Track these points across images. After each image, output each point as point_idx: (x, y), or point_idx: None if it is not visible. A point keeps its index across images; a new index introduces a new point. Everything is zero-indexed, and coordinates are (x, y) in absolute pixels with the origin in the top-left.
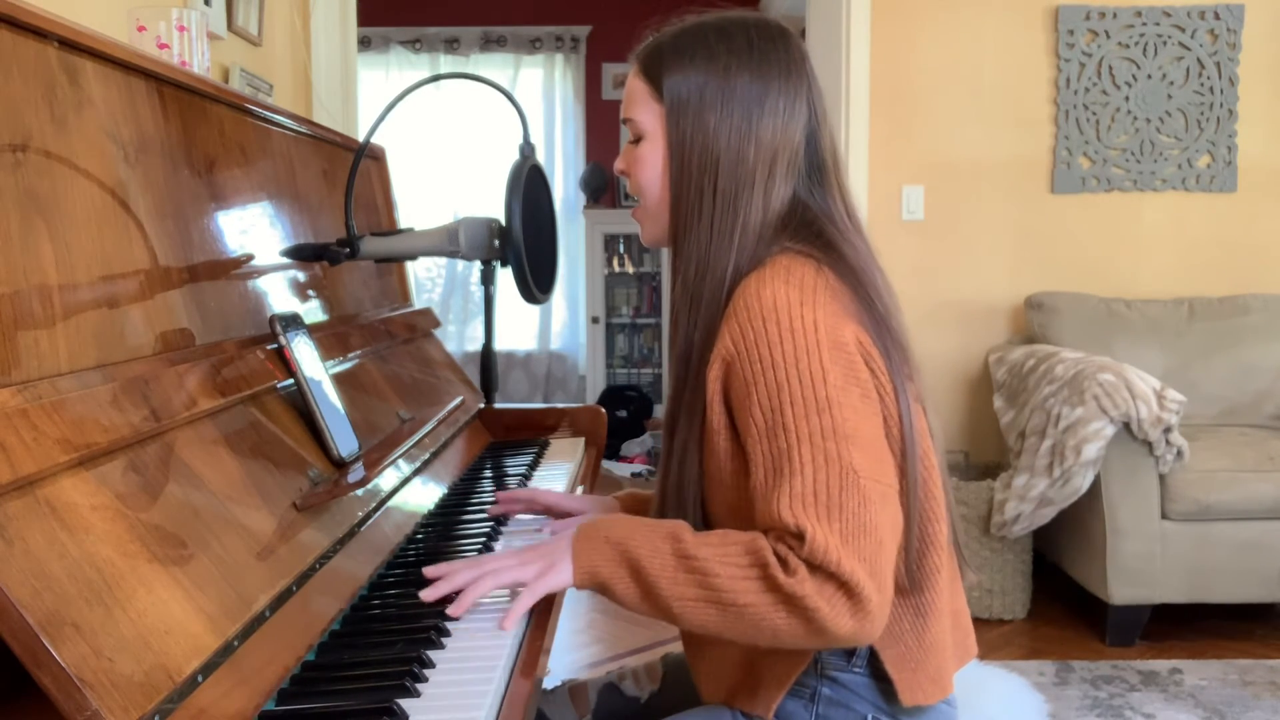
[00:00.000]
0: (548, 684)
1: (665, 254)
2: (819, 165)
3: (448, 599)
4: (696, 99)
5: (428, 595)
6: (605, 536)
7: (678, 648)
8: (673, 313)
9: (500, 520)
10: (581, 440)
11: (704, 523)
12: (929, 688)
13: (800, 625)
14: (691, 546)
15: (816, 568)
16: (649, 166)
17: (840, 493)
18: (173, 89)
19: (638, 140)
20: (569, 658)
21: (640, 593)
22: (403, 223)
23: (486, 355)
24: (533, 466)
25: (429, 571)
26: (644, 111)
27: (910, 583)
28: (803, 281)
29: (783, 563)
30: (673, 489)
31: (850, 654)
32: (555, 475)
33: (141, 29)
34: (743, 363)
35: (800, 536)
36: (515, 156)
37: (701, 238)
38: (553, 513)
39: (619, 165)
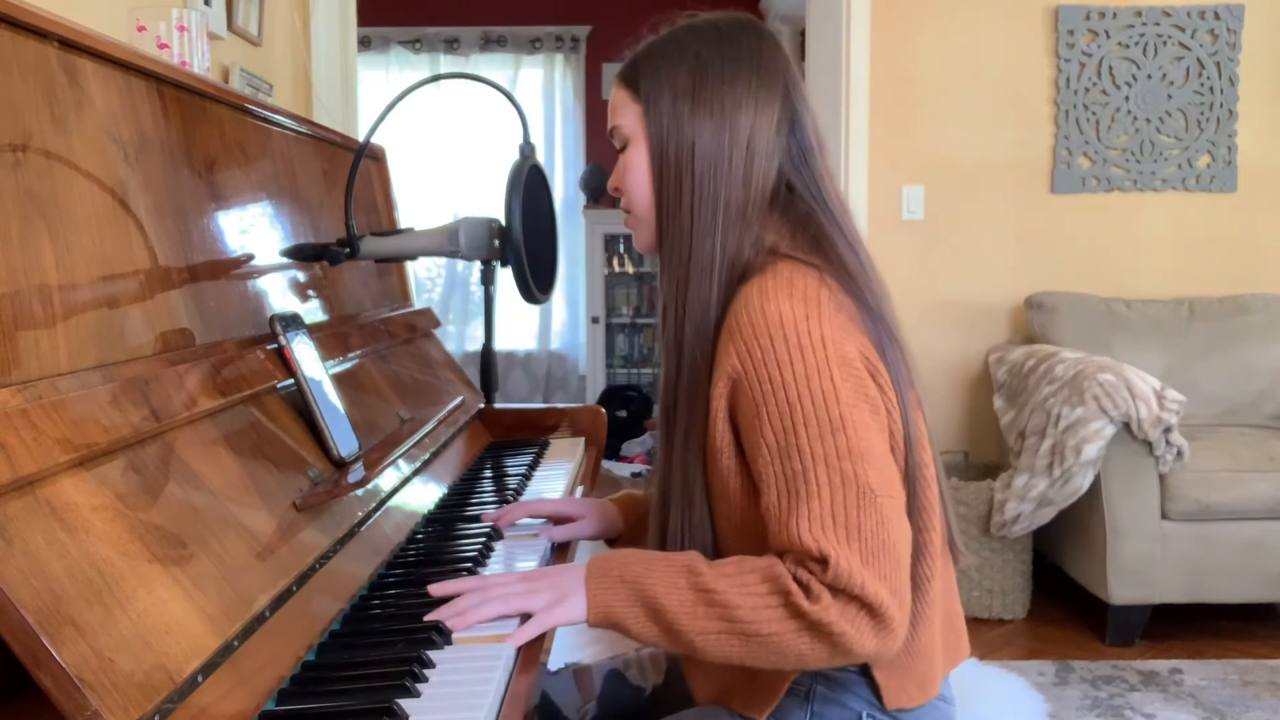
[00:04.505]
0: (552, 665)
1: None
2: (804, 148)
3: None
4: (670, 91)
5: (430, 618)
6: (620, 575)
7: None
8: (661, 304)
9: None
10: (581, 440)
11: (710, 528)
12: (914, 692)
13: (825, 649)
14: (709, 579)
15: (840, 591)
16: (635, 170)
17: (859, 513)
18: (173, 89)
19: (624, 148)
20: (569, 657)
21: (660, 630)
22: (403, 223)
23: (486, 355)
24: (533, 466)
25: (434, 590)
26: (625, 115)
27: None
28: (806, 294)
29: (805, 589)
30: (677, 487)
31: None
32: (555, 475)
33: (141, 29)
34: (751, 382)
35: (823, 561)
36: (515, 156)
37: (683, 224)
38: (549, 518)
39: (612, 182)
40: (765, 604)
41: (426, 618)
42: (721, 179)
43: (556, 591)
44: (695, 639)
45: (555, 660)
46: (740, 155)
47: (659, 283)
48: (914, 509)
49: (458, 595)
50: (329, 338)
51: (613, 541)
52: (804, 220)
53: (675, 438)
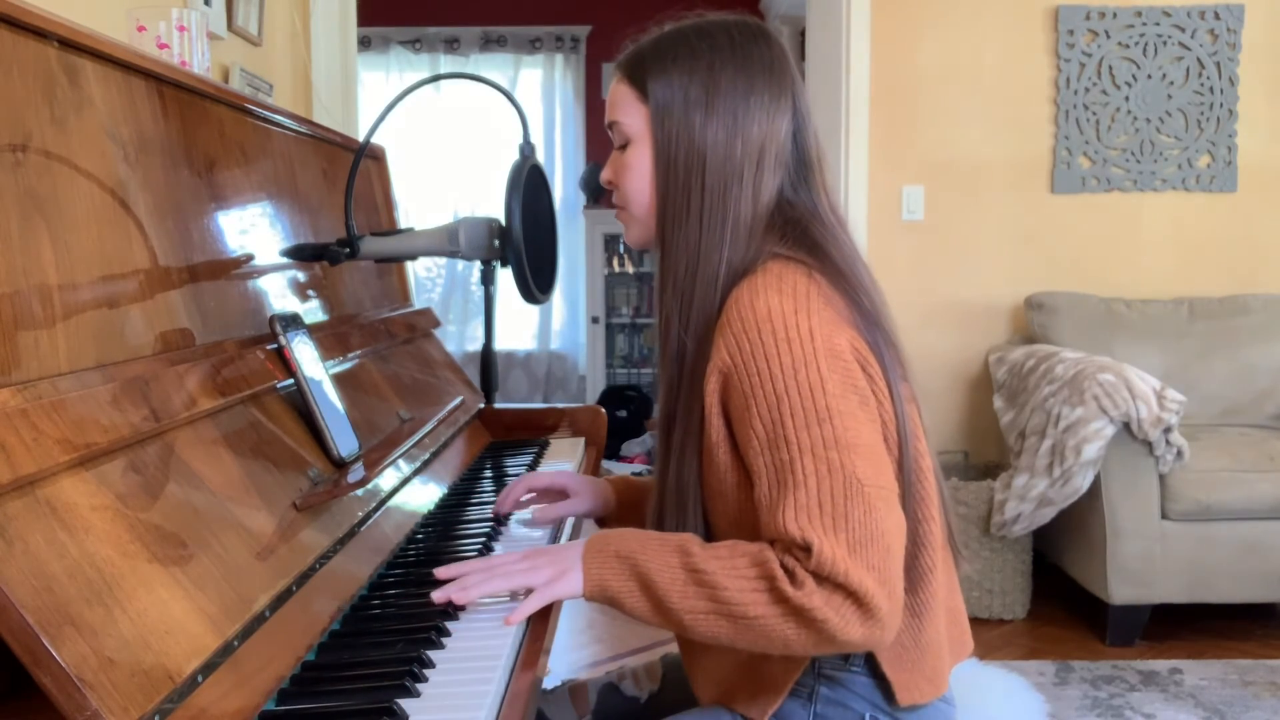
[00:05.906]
0: (548, 684)
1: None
2: (804, 161)
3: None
4: (682, 98)
5: (437, 596)
6: (615, 551)
7: (677, 648)
8: (662, 313)
9: (500, 520)
10: (581, 440)
11: (705, 530)
12: (925, 687)
13: (810, 635)
14: (700, 560)
15: (824, 579)
16: (636, 171)
17: (845, 502)
18: (173, 89)
19: (624, 146)
20: (569, 658)
21: (651, 606)
22: (403, 223)
23: (486, 355)
24: (533, 466)
25: (440, 573)
26: (630, 115)
27: (904, 583)
28: (795, 289)
29: (790, 575)
30: (671, 493)
31: (847, 654)
32: None
33: (141, 29)
34: (740, 375)
35: (807, 549)
36: (515, 156)
37: (690, 236)
38: (548, 493)
39: (606, 175)
40: (752, 588)
41: (433, 595)
42: (732, 193)
43: (556, 567)
44: (684, 617)
45: (551, 678)
46: (751, 169)
47: (658, 290)
48: (912, 500)
49: (461, 577)
50: (329, 338)
51: (604, 520)
52: (802, 232)
53: (673, 444)
